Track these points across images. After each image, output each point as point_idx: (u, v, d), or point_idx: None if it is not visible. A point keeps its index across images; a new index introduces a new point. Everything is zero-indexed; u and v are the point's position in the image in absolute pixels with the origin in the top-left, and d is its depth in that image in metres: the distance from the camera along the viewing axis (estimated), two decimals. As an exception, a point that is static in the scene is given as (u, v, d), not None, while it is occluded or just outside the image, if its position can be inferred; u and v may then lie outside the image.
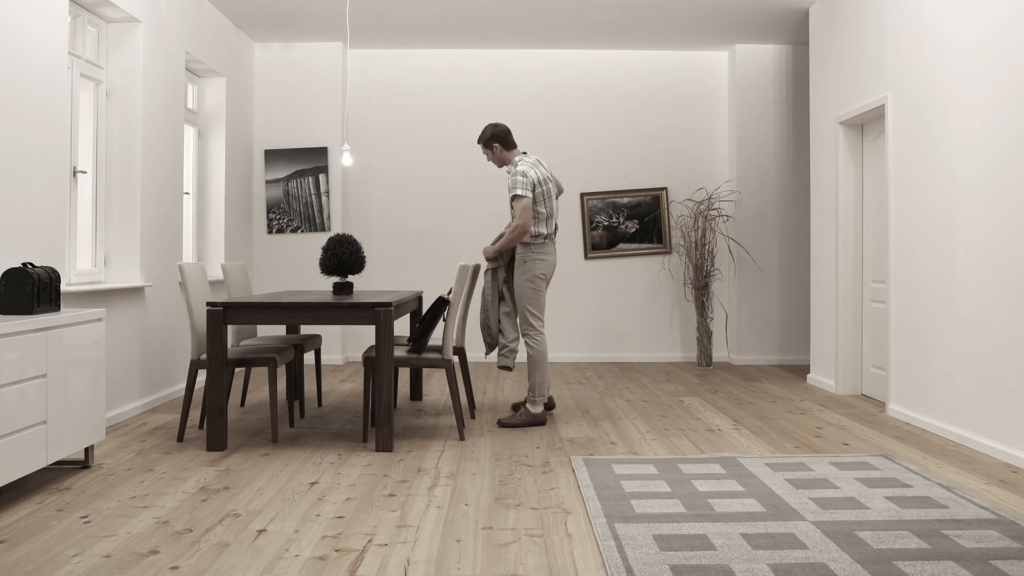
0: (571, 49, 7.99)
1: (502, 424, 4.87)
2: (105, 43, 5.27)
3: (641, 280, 8.01)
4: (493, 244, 5.07)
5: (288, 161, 7.72)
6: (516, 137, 7.98)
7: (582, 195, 8.00)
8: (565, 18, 7.00)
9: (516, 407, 5.07)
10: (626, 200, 8.02)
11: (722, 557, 2.70)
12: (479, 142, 5.08)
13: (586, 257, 8.01)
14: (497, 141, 5.02)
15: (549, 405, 5.29)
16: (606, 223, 8.03)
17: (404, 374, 6.59)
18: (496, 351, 5.20)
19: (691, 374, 7.13)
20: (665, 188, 7.98)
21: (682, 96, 8.04)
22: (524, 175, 4.86)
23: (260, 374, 7.04)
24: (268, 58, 7.76)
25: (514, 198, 4.85)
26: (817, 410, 5.43)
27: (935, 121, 4.79)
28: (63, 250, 4.38)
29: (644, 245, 8.02)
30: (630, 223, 8.01)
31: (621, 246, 8.00)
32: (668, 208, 7.99)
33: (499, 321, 5.11)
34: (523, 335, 4.96)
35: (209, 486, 3.59)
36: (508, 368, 5.03)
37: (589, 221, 8.01)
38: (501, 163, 5.08)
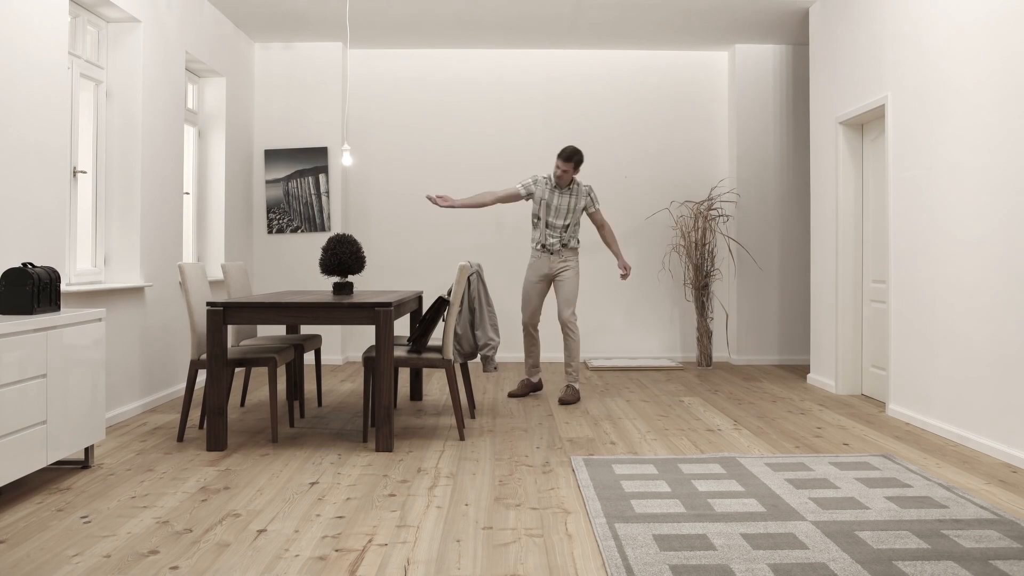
0: (571, 49, 7.99)
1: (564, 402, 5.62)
2: (105, 43, 5.27)
3: (641, 280, 8.01)
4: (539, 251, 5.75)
5: (288, 161, 7.72)
6: (516, 137, 8.00)
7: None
8: (565, 18, 7.00)
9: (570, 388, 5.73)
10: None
11: (722, 557, 2.70)
12: (573, 159, 5.62)
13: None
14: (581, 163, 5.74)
15: (539, 386, 6.00)
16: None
17: (404, 374, 6.60)
18: (479, 356, 5.05)
19: (691, 374, 7.13)
20: (665, 188, 7.98)
21: (682, 96, 8.04)
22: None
23: (260, 374, 7.04)
24: (268, 58, 7.76)
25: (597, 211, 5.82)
26: (817, 410, 5.43)
27: (935, 121, 4.79)
28: (63, 250, 4.38)
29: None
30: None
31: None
32: (668, 208, 7.98)
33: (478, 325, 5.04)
34: (573, 324, 5.69)
35: (209, 486, 3.59)
36: (496, 368, 5.32)
37: (589, 221, 8.02)
38: (569, 180, 5.71)
